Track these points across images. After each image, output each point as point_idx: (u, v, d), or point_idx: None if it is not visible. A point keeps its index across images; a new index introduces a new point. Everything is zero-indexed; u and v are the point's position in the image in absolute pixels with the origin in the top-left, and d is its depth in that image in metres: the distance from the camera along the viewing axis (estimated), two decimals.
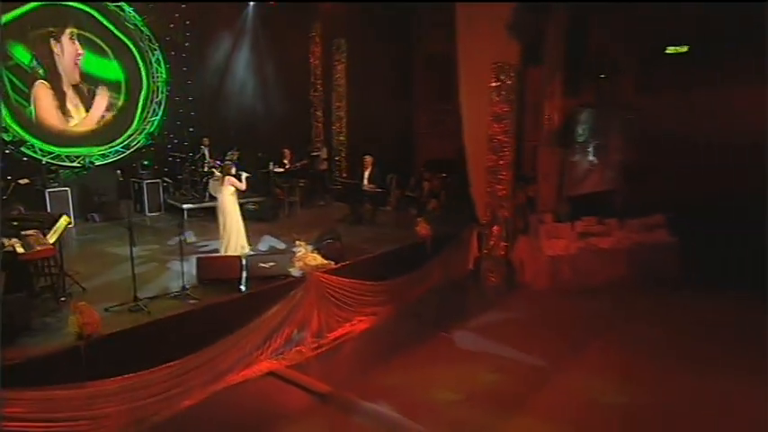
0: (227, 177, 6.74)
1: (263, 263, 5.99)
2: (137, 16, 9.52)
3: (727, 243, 8.78)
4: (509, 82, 8.41)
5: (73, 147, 9.16)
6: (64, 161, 8.99)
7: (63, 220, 5.59)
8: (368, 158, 9.35)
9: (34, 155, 8.65)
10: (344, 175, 11.23)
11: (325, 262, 6.42)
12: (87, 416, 4.34)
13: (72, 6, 8.97)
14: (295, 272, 6.25)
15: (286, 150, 9.94)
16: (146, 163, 9.42)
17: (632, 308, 7.93)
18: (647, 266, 9.12)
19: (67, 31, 8.90)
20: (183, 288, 5.49)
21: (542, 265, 8.56)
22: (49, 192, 8.12)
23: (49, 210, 8.06)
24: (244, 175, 7.04)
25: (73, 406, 4.21)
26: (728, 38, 9.25)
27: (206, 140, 9.82)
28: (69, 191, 8.32)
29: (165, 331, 4.95)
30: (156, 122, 10.00)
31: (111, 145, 9.53)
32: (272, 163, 9.93)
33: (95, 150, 9.34)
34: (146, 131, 9.87)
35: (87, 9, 9.10)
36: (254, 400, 5.24)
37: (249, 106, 10.86)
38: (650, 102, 10.89)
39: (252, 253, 6.43)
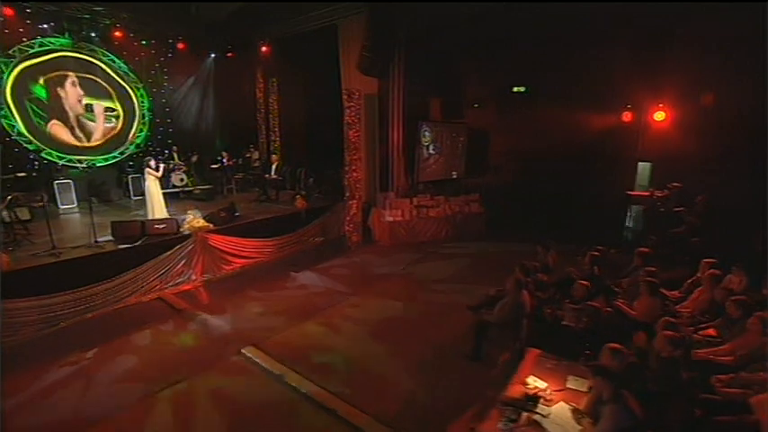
0: (146, 169, 6.85)
1: (158, 225, 6.21)
2: (123, 65, 9.59)
3: (515, 213, 9.10)
4: (357, 102, 8.47)
5: (81, 155, 9.26)
6: (75, 164, 9.13)
7: (8, 199, 5.76)
8: (273, 157, 9.51)
9: (52, 159, 8.82)
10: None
11: (207, 225, 6.66)
12: (6, 323, 4.59)
13: (79, 57, 9.02)
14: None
15: (224, 153, 10.07)
16: (131, 164, 9.60)
17: (435, 253, 8.20)
18: (463, 227, 9.36)
19: (68, 79, 8.91)
20: (96, 241, 5.72)
21: (385, 228, 8.76)
22: (57, 183, 8.30)
23: (57, 196, 8.33)
24: (162, 166, 7.15)
25: None
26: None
27: (175, 148, 9.99)
28: (72, 182, 8.46)
29: (68, 268, 5.20)
30: (142, 137, 10.14)
31: (111, 153, 9.66)
32: (221, 161, 10.13)
33: (99, 158, 9.49)
34: (134, 143, 10.01)
35: (91, 59, 9.16)
36: (138, 314, 5.55)
37: (211, 124, 10.95)
38: (504, 122, 11.20)
39: (150, 218, 6.55)
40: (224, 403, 3.66)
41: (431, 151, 10.25)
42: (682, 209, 6.33)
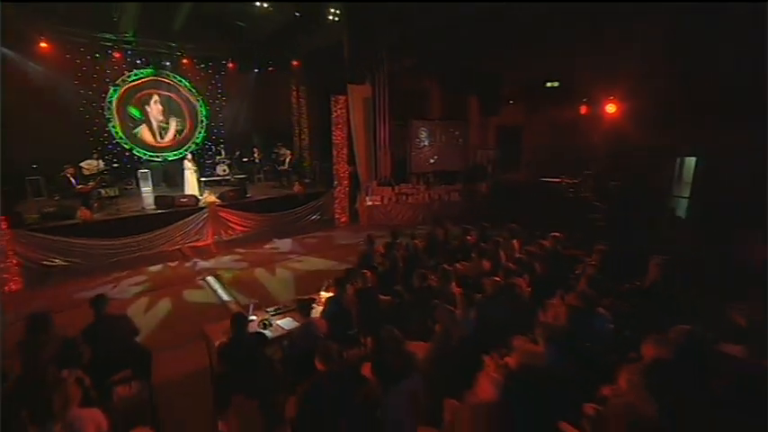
0: (185, 161, 9.88)
1: (182, 199, 9.15)
2: (187, 84, 13.14)
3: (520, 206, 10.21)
4: (341, 106, 10.51)
5: (158, 152, 13.03)
6: (154, 158, 12.91)
7: (98, 179, 9.20)
8: (287, 152, 12.05)
9: (140, 154, 12.69)
10: (306, 164, 14.02)
11: (217, 200, 9.44)
12: (86, 253, 7.77)
13: (159, 81, 12.78)
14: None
15: (255, 149, 13.02)
16: (189, 157, 13.09)
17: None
18: (440, 212, 10.76)
19: (152, 98, 12.72)
20: (143, 207, 8.86)
21: (365, 211, 10.68)
22: (140, 172, 12.01)
23: (139, 181, 12.08)
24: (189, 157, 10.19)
25: (70, 247, 7.65)
26: None
27: (222, 146, 13.26)
28: (149, 172, 12.08)
29: (115, 225, 8.32)
30: (200, 138, 13.63)
31: (178, 150, 13.31)
32: (252, 156, 13.15)
33: (169, 154, 13.19)
34: (195, 143, 13.53)
35: (167, 82, 12.89)
36: (162, 256, 8.34)
37: (253, 127, 14.04)
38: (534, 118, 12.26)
39: (179, 194, 9.51)
40: (178, 299, 6.21)
41: (425, 144, 11.85)
42: (590, 195, 7.08)
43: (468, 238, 6.54)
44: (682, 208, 6.92)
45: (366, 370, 3.39)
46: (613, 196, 6.83)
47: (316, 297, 4.80)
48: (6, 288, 6.39)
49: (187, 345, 4.84)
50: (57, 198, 9.38)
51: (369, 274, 4.60)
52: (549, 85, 12.23)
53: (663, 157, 7.14)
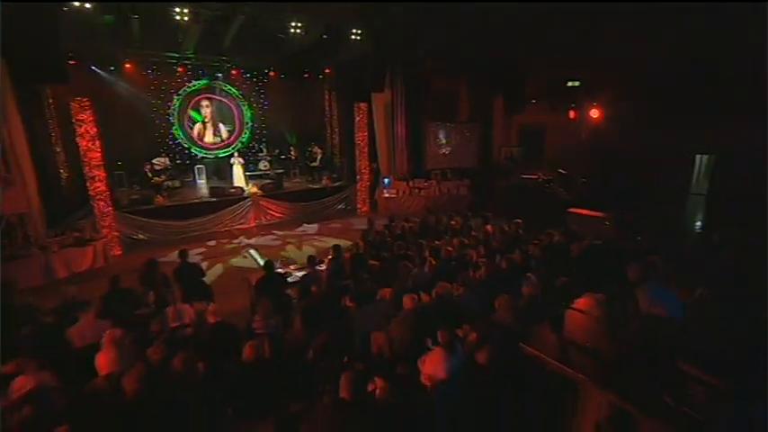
0: (232, 158, 12.35)
1: (231, 189, 11.60)
2: (236, 91, 15.72)
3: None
4: (362, 112, 12.50)
5: (211, 150, 15.74)
6: (208, 156, 15.62)
7: (167, 174, 11.84)
8: (319, 150, 14.24)
9: (197, 152, 15.45)
10: (336, 161, 16.18)
11: (259, 191, 11.81)
12: (156, 230, 10.37)
13: (213, 89, 15.45)
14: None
15: (291, 147, 15.35)
16: (236, 155, 15.64)
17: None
18: (448, 206, 12.48)
19: (207, 104, 15.41)
20: (201, 197, 11.40)
21: (382, 202, 12.63)
22: (196, 167, 14.73)
23: (195, 174, 14.79)
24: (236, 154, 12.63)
25: (150, 226, 10.27)
26: None
27: (264, 144, 15.73)
28: (204, 167, 14.79)
29: (180, 209, 10.87)
30: (246, 138, 16.19)
31: (227, 149, 15.95)
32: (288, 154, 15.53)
33: (220, 152, 15.86)
34: (241, 142, 16.11)
35: (219, 89, 15.54)
36: (214, 235, 10.83)
37: (290, 127, 16.42)
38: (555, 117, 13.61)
39: (228, 186, 11.97)
40: (228, 265, 8.55)
41: (442, 143, 13.63)
42: (561, 189, 8.58)
43: (453, 223, 8.33)
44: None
45: (347, 301, 5.37)
46: (580, 192, 8.27)
47: (324, 260, 6.86)
48: (112, 253, 9.07)
49: (234, 293, 7.07)
50: (137, 188, 12.19)
51: (362, 243, 6.58)
52: (570, 84, 13.49)
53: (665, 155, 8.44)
